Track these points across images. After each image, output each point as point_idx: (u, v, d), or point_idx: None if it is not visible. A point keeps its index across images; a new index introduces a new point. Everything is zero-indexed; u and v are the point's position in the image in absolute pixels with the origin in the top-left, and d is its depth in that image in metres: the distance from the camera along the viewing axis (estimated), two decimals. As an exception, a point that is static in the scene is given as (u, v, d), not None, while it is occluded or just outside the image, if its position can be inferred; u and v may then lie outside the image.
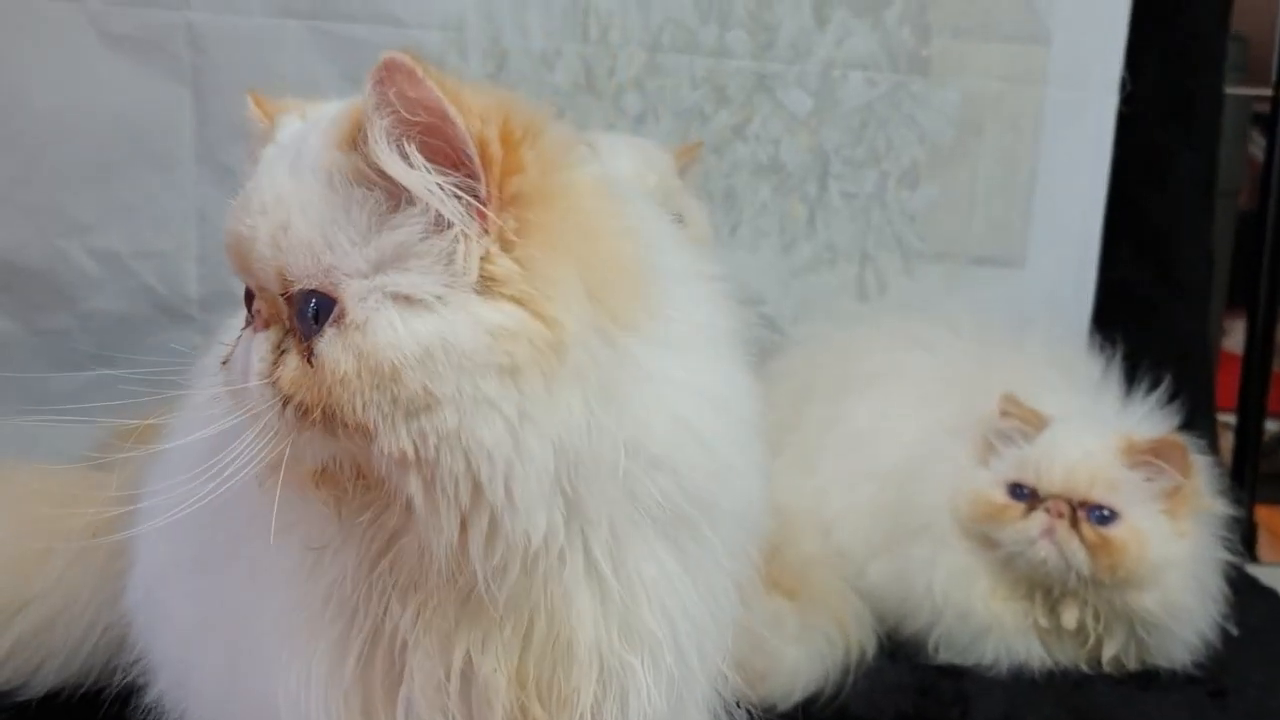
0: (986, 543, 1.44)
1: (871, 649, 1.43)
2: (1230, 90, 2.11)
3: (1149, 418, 1.50)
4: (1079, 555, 1.38)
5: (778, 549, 1.36)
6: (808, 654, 1.33)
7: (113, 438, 1.46)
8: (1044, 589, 1.43)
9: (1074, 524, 1.39)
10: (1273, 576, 1.81)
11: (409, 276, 0.72)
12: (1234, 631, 1.49)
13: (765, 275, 1.97)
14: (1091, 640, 1.43)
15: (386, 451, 0.71)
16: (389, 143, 0.71)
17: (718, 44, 1.92)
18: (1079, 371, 1.63)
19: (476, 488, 0.72)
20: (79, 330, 1.87)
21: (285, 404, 0.73)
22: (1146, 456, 1.40)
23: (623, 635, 0.81)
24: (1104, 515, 1.39)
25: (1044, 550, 1.39)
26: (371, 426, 0.71)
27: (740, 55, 1.92)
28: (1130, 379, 1.59)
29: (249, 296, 0.79)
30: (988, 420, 1.47)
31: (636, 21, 1.90)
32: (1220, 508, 1.46)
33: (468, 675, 0.80)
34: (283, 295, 0.75)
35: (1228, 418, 2.15)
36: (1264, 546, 2.06)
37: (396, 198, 0.73)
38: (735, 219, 1.97)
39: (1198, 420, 1.71)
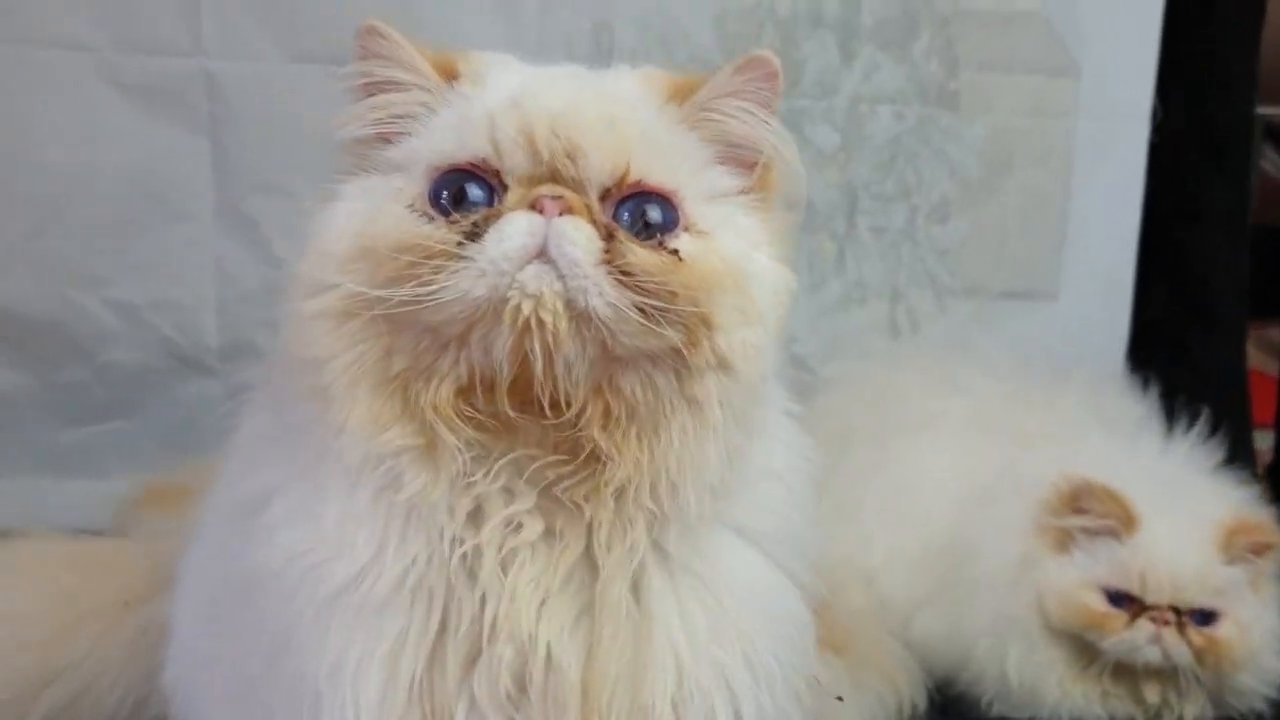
0: (1077, 641, 1.39)
1: (923, 704, 1.40)
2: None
3: (1228, 491, 1.46)
4: (1185, 657, 1.35)
5: (824, 602, 1.32)
6: (859, 713, 1.29)
7: (140, 499, 1.43)
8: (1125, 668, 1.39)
9: (1180, 628, 1.35)
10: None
11: (737, 216, 0.83)
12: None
13: (794, 314, 1.91)
14: (1176, 713, 1.40)
15: (717, 349, 0.77)
16: (757, 114, 0.83)
17: (743, 80, 1.89)
18: (1118, 413, 1.60)
19: (747, 408, 0.80)
20: (95, 383, 1.83)
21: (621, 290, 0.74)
22: (1246, 554, 1.37)
23: (712, 633, 0.82)
24: (1207, 615, 1.36)
25: (1149, 655, 1.35)
26: (718, 322, 0.77)
27: (766, 91, 1.89)
28: (1167, 413, 1.57)
29: (477, 181, 0.79)
30: (1061, 510, 1.40)
31: (659, 58, 1.86)
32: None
33: (546, 670, 0.79)
34: (604, 190, 0.78)
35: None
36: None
37: (718, 156, 0.84)
38: (763, 257, 1.94)
39: (1237, 453, 1.68)
